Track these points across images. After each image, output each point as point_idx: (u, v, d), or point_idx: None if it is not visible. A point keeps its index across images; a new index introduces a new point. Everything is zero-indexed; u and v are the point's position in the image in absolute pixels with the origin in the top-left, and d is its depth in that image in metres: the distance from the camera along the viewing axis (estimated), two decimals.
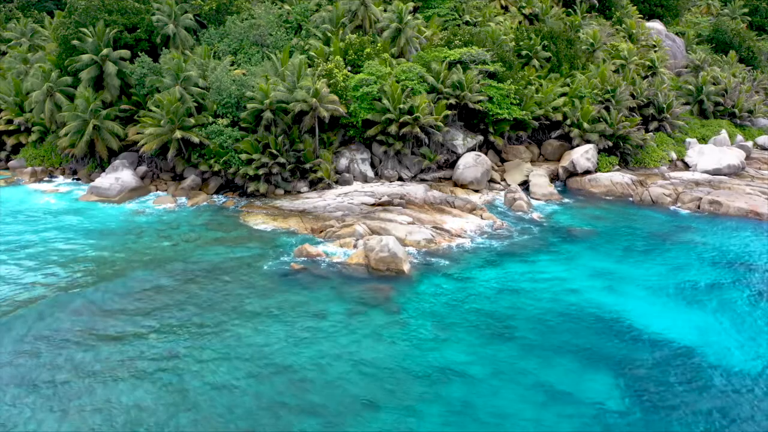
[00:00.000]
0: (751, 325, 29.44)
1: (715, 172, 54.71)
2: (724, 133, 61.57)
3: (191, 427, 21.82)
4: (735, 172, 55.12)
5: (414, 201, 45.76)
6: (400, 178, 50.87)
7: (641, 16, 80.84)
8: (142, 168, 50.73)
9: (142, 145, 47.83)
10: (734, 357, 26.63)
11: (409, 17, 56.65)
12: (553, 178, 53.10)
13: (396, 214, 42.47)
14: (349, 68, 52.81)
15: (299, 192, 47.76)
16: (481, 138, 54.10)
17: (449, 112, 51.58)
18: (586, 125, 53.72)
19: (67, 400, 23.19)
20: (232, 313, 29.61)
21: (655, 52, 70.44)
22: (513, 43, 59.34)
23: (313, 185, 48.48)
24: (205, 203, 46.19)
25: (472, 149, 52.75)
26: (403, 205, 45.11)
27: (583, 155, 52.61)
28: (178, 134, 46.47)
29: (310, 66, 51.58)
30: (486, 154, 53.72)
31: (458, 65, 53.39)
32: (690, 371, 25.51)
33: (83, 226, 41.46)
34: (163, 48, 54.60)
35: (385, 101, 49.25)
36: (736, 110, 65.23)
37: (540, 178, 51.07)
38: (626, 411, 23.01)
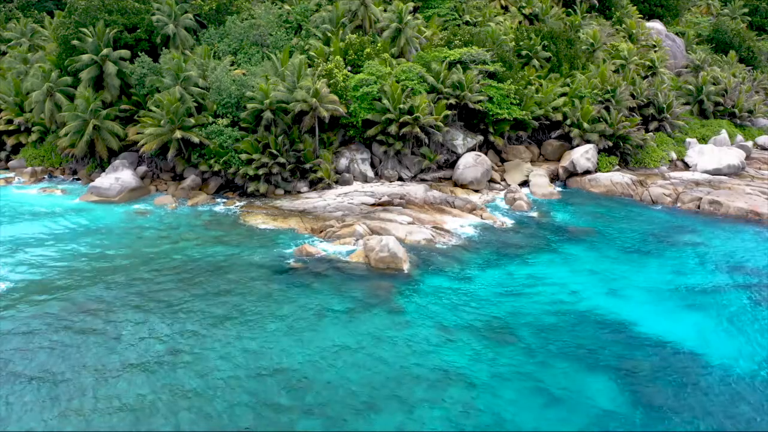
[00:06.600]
0: (751, 327, 29.42)
1: (715, 172, 54.70)
2: (724, 133, 61.57)
3: (191, 426, 21.81)
4: (735, 172, 55.11)
5: (414, 201, 45.76)
6: (400, 178, 50.87)
7: (641, 16, 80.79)
8: (142, 168, 50.74)
9: (142, 145, 47.83)
10: (735, 359, 26.58)
11: (409, 17, 56.64)
12: (553, 178, 53.11)
13: (396, 214, 42.47)
14: (349, 68, 52.80)
15: (299, 192, 47.77)
16: (481, 138, 54.11)
17: (449, 112, 51.58)
18: (586, 125, 53.72)
19: (65, 397, 23.18)
20: (231, 313, 29.63)
21: (655, 52, 70.43)
22: (513, 43, 59.35)
23: (313, 185, 48.49)
24: (205, 203, 46.19)
25: (472, 149, 52.76)
26: (403, 205, 45.11)
27: (583, 155, 52.62)
28: (178, 134, 46.47)
29: (310, 66, 51.57)
30: (486, 154, 53.72)
31: (458, 65, 53.39)
32: (690, 373, 25.46)
33: (83, 226, 41.44)
34: (163, 48, 54.61)
35: (385, 101, 49.26)
36: (736, 110, 65.23)
37: (540, 178, 51.09)
38: (626, 413, 22.98)
